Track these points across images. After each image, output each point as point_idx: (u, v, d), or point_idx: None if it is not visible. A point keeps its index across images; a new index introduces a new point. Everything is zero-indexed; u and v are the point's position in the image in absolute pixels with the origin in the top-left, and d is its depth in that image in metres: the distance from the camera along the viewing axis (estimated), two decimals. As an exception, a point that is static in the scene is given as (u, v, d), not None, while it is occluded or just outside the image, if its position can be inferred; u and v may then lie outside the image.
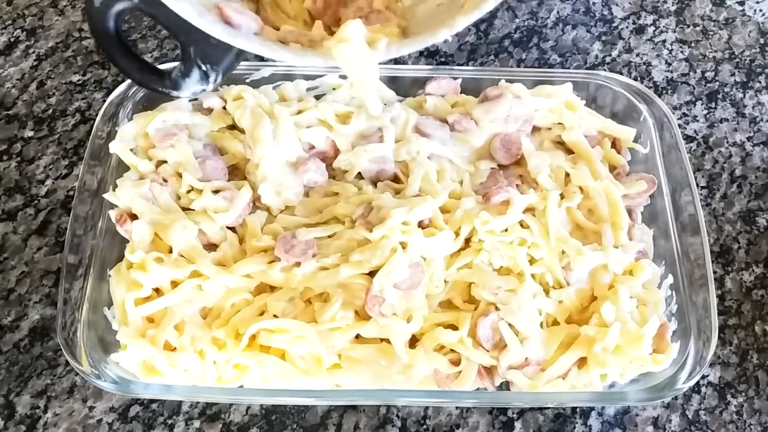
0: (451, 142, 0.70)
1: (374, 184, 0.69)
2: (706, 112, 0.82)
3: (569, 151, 0.71)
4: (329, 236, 0.65)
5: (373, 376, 0.60)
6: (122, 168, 0.68)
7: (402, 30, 0.58)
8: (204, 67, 0.57)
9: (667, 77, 0.85)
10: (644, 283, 0.64)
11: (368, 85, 0.57)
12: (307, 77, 0.72)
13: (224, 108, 0.70)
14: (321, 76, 0.72)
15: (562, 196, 0.67)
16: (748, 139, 0.80)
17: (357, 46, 0.52)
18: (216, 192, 0.66)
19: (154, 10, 0.54)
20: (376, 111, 0.64)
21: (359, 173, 0.69)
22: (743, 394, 0.66)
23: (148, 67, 0.60)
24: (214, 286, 0.62)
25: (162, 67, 0.60)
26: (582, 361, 0.61)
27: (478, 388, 0.61)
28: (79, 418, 0.64)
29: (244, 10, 0.55)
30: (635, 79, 0.84)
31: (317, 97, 0.71)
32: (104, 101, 0.70)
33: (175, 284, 0.62)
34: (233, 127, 0.70)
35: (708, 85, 0.84)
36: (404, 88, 0.73)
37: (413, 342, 0.61)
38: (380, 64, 0.54)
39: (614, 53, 0.87)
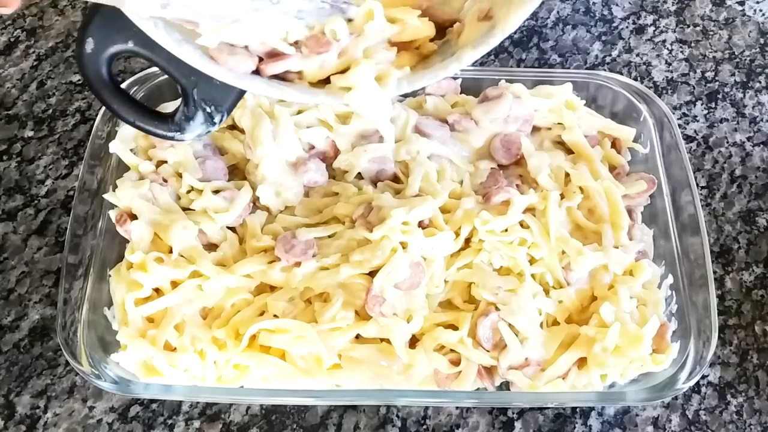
0: (451, 142, 0.70)
1: (374, 184, 0.68)
2: (706, 112, 0.82)
3: (569, 151, 0.71)
4: (329, 236, 0.64)
5: (373, 376, 0.60)
6: (122, 168, 0.68)
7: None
8: (209, 109, 0.54)
9: (667, 77, 0.85)
10: (644, 284, 0.64)
11: (381, 118, 0.56)
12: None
13: (224, 108, 0.70)
14: None
15: (562, 196, 0.67)
16: (748, 139, 0.80)
17: (367, 91, 0.52)
18: (216, 192, 0.66)
19: (151, 54, 0.50)
20: (389, 136, 0.64)
21: (359, 173, 0.69)
22: (743, 394, 0.66)
23: (149, 112, 0.56)
24: (214, 286, 0.62)
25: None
26: (582, 362, 0.61)
27: (478, 388, 0.61)
28: (79, 418, 0.64)
29: (235, 49, 0.51)
30: (635, 79, 0.84)
31: (317, 97, 0.71)
32: (104, 101, 0.70)
33: (175, 284, 0.62)
34: (233, 127, 0.70)
35: (708, 85, 0.84)
36: (404, 88, 0.73)
37: (413, 342, 0.61)
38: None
39: (614, 53, 0.86)
